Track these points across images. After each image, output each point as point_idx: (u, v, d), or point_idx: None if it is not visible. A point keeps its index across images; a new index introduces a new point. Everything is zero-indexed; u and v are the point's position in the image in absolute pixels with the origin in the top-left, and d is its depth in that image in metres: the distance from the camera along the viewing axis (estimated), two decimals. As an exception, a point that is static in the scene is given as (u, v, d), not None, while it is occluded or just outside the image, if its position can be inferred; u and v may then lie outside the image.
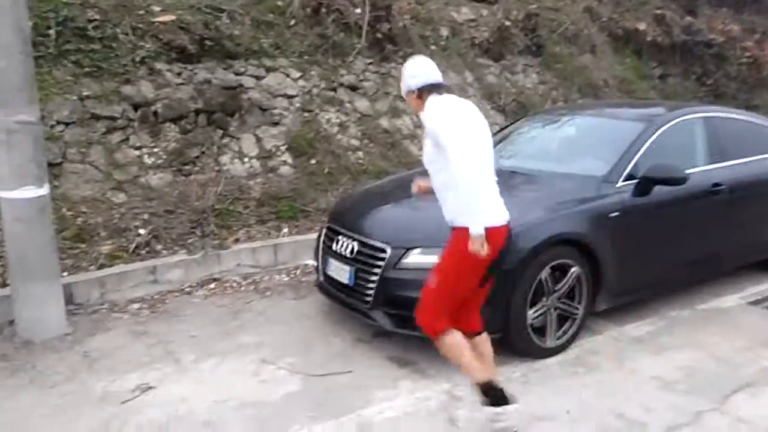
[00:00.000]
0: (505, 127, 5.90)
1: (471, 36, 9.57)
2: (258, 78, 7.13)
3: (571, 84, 10.36)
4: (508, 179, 4.34)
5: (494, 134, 5.78)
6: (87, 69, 6.00)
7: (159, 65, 6.45)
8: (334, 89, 7.71)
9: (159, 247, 5.47)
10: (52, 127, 5.65)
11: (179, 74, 6.55)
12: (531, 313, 3.68)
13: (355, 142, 7.53)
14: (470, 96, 9.08)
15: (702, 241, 4.55)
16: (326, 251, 4.20)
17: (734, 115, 5.26)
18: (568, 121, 5.08)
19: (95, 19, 6.29)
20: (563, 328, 3.89)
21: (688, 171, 4.35)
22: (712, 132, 4.83)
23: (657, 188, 4.13)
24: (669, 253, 4.35)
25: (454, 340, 2.88)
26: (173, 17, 6.68)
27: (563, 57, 10.61)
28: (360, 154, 7.46)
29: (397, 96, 8.24)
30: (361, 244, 3.86)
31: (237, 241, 5.88)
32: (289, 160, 6.92)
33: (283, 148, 6.94)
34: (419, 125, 8.28)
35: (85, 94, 5.90)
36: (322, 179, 6.95)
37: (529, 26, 10.14)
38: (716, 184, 4.58)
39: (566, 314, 3.88)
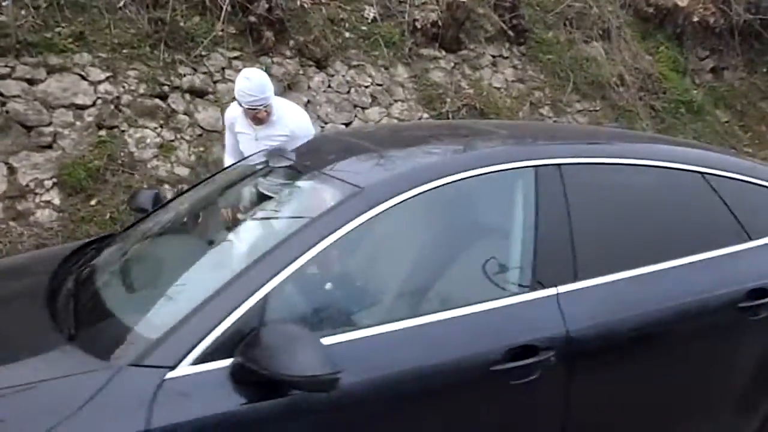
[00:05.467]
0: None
1: (412, 18, 7.08)
2: (32, 82, 5.13)
3: (565, 82, 7.62)
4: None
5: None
6: None
7: None
8: (163, 95, 5.58)
9: None
10: None
11: None
12: None
13: (182, 171, 5.38)
14: (399, 101, 6.68)
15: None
16: None
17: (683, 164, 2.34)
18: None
19: None
20: None
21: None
22: (557, 209, 2.09)
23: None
24: None
25: None
26: None
27: (558, 45, 7.86)
28: (186, 187, 5.31)
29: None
30: None
31: None
32: (56, 200, 4.89)
33: (49, 182, 4.93)
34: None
35: None
36: (101, 227, 4.88)
37: (505, 3, 7.48)
38: (528, 348, 1.93)
39: None
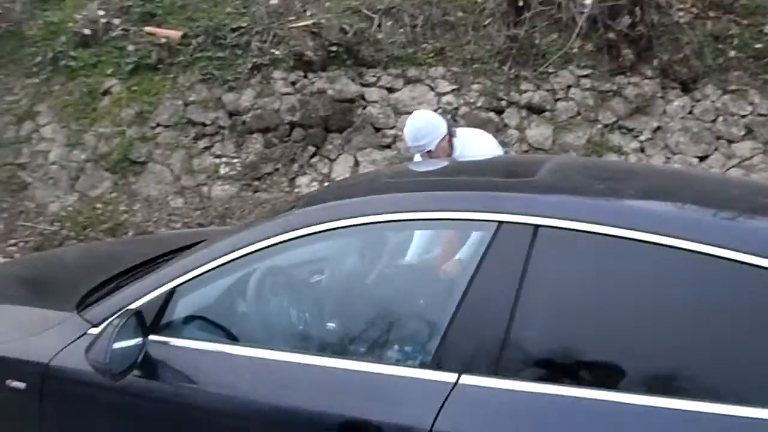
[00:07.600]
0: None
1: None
2: (391, 90, 5.93)
3: None
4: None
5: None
6: (202, 77, 6.15)
7: (278, 73, 6.08)
8: (500, 109, 5.75)
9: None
10: (152, 128, 6.07)
11: (294, 83, 6.03)
12: None
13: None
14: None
15: None
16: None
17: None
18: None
19: (242, 27, 6.35)
20: None
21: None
22: None
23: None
24: None
25: None
26: (308, 22, 6.16)
27: None
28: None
29: (611, 125, 5.60)
30: None
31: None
32: (381, 193, 5.58)
33: (379, 177, 5.65)
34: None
35: (191, 99, 6.10)
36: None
37: None
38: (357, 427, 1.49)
39: None
